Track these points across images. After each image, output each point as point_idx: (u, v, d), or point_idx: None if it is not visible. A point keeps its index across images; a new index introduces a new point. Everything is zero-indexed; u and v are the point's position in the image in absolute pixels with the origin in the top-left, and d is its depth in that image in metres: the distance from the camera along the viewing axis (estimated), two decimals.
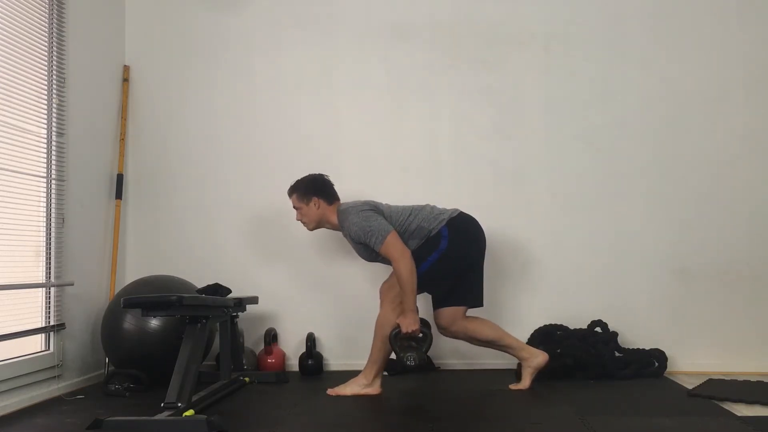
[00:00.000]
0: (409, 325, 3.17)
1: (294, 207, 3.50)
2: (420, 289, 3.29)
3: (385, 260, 3.31)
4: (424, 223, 3.32)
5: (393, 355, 3.67)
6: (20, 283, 3.30)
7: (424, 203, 3.46)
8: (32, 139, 3.39)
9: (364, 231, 3.25)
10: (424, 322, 3.33)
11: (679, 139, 3.99)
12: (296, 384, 3.69)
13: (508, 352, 3.48)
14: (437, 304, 3.40)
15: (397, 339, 3.20)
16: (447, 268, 3.30)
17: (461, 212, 3.41)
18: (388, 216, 3.34)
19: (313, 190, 3.45)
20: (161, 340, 3.43)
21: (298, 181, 3.50)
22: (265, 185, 4.14)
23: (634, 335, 3.88)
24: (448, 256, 3.28)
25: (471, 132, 4.10)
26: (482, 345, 3.49)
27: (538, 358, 3.42)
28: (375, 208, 3.34)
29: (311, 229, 3.53)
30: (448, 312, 3.38)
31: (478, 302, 3.44)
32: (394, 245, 3.21)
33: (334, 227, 3.48)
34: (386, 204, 3.45)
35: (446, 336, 3.49)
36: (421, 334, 3.23)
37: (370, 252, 3.33)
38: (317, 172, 3.53)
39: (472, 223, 3.42)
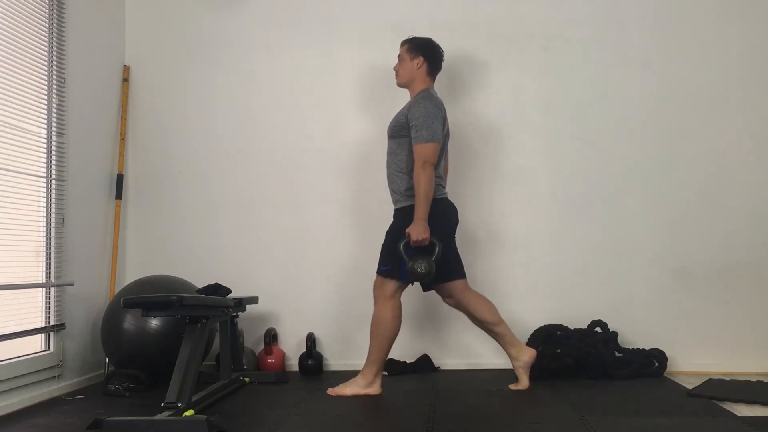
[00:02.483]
0: (419, 234, 3.16)
1: (398, 56, 3.51)
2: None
3: (395, 149, 3.35)
4: None
5: (391, 354, 3.68)
6: (20, 283, 3.30)
7: None
8: (32, 139, 3.39)
9: (423, 120, 3.25)
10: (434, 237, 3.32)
11: (679, 139, 3.99)
12: (296, 384, 3.69)
13: (498, 341, 3.49)
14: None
15: (407, 248, 3.18)
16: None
17: (446, 197, 3.43)
18: (443, 137, 3.36)
19: (426, 52, 3.46)
20: (161, 340, 3.43)
21: (417, 37, 3.51)
22: (265, 185, 4.14)
23: (634, 335, 3.88)
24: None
25: (471, 132, 4.10)
26: (476, 323, 3.50)
27: (526, 354, 3.43)
28: (444, 120, 3.37)
29: (399, 84, 3.53)
30: (448, 286, 3.43)
31: (460, 273, 3.45)
32: (430, 152, 3.22)
33: (411, 94, 3.48)
34: (449, 132, 3.48)
35: (449, 305, 3.52)
36: (429, 243, 3.20)
37: (400, 131, 3.33)
38: (437, 44, 3.51)
39: (451, 208, 3.44)
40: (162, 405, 2.76)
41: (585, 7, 4.09)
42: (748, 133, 3.96)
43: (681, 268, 3.95)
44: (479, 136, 4.09)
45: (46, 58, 3.49)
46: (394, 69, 3.55)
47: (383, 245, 3.39)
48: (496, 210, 4.04)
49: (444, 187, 3.46)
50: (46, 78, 3.48)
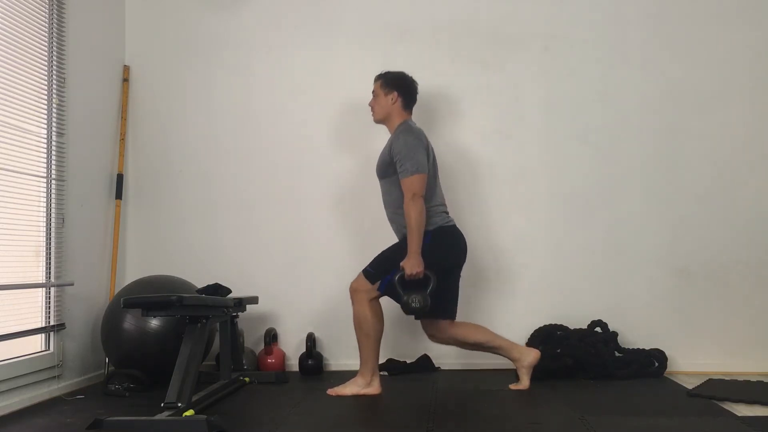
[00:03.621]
0: (413, 267, 3.16)
1: (372, 92, 3.50)
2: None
3: (388, 188, 3.33)
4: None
5: (390, 354, 3.67)
6: (20, 283, 3.30)
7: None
8: (32, 139, 3.39)
9: (406, 153, 3.24)
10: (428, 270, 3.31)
11: (679, 139, 3.99)
12: (296, 384, 3.69)
13: (499, 353, 3.48)
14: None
15: (401, 282, 3.18)
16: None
17: (454, 225, 3.39)
18: (430, 165, 3.34)
19: (399, 86, 3.44)
20: (161, 340, 3.43)
21: (390, 71, 3.49)
22: (265, 184, 4.14)
23: (634, 335, 3.88)
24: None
25: (471, 132, 4.10)
26: (473, 349, 3.50)
27: (530, 356, 3.43)
28: (428, 149, 3.35)
29: (376, 120, 3.52)
30: (434, 323, 3.39)
31: (447, 315, 3.40)
32: (417, 184, 3.20)
33: (389, 128, 3.46)
34: (435, 160, 3.44)
35: (435, 342, 3.50)
36: (423, 277, 3.20)
37: (387, 170, 3.33)
38: (410, 76, 3.50)
39: (458, 238, 3.39)
40: (162, 405, 2.76)
41: (585, 7, 4.09)
42: (748, 133, 3.96)
43: (681, 268, 3.95)
44: (479, 137, 4.09)
45: (46, 58, 3.49)
46: (370, 105, 3.52)
47: (382, 252, 3.38)
48: (497, 210, 4.04)
49: (448, 214, 3.42)
50: (46, 78, 3.48)
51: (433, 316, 3.36)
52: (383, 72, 3.50)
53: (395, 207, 3.33)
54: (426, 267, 3.19)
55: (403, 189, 3.24)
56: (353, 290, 3.34)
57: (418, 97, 4.11)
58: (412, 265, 3.17)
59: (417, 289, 3.18)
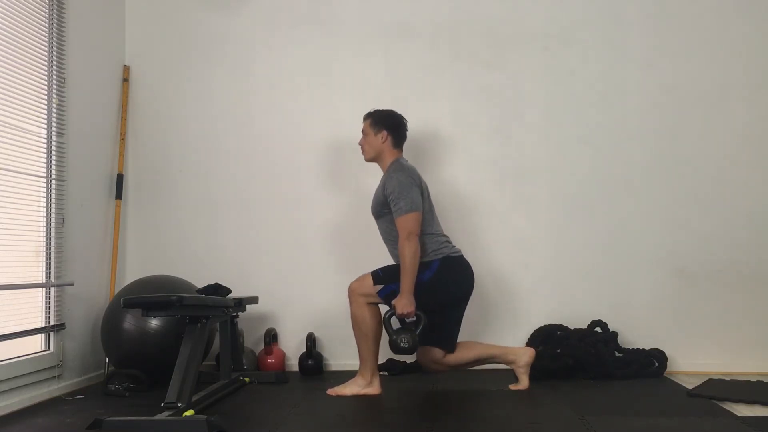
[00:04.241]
0: (404, 307, 3.16)
1: (362, 131, 3.49)
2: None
3: (387, 227, 3.33)
4: (429, 244, 3.30)
5: (390, 354, 3.67)
6: (20, 283, 3.30)
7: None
8: (32, 139, 3.39)
9: (400, 191, 3.23)
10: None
11: (679, 139, 3.99)
12: (296, 384, 3.69)
13: (496, 362, 3.50)
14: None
15: (390, 321, 3.19)
16: (420, 301, 3.22)
17: (461, 255, 3.39)
18: (425, 199, 3.34)
19: (388, 124, 3.43)
20: (161, 340, 3.43)
21: (378, 110, 3.48)
22: (265, 184, 4.14)
23: (634, 335, 3.88)
24: (425, 289, 3.24)
25: (471, 132, 4.10)
26: (472, 366, 3.50)
27: (525, 356, 3.43)
28: (421, 187, 3.34)
29: (366, 159, 3.51)
30: (430, 352, 3.38)
31: (446, 346, 3.39)
32: (411, 223, 3.20)
33: (382, 167, 3.46)
34: (429, 194, 3.43)
35: (431, 371, 3.51)
36: (414, 317, 3.21)
37: (382, 209, 3.33)
38: (400, 114, 3.49)
39: (465, 269, 3.39)
40: (162, 405, 2.76)
41: (585, 7, 4.09)
42: (748, 133, 3.96)
43: (681, 268, 3.95)
44: (479, 137, 4.09)
45: (46, 58, 3.49)
46: (360, 144, 3.51)
47: (396, 264, 3.36)
48: (497, 210, 4.04)
49: (452, 245, 3.41)
50: (46, 78, 3.48)
51: (430, 343, 3.35)
52: (372, 111, 3.49)
53: (395, 244, 3.31)
54: (419, 307, 3.19)
55: (398, 228, 3.23)
56: (352, 291, 3.34)
57: (418, 97, 4.13)
58: (404, 305, 3.17)
59: (407, 328, 3.19)
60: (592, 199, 4.02)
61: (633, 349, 3.79)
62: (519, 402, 3.22)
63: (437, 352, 3.39)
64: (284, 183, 4.16)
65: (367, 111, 3.50)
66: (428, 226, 3.33)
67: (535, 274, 4.02)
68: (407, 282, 3.18)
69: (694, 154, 3.97)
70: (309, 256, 4.12)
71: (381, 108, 3.50)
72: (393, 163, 3.40)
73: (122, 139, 4.12)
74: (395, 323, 3.25)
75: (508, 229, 4.03)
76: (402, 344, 3.15)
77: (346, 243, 4.10)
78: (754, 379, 3.56)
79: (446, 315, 3.35)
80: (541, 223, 4.04)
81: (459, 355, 3.42)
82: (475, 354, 3.44)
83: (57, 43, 3.55)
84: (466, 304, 3.44)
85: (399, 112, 3.50)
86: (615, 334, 3.81)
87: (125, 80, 4.20)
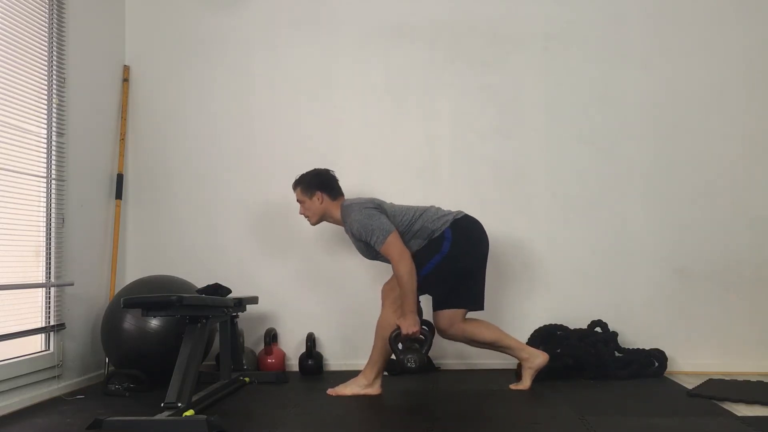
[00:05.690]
0: (409, 327, 3.16)
1: (297, 200, 3.49)
2: (421, 290, 3.28)
3: (386, 259, 3.31)
4: (428, 224, 3.31)
5: (393, 356, 3.67)
6: (20, 283, 3.30)
7: (424, 203, 3.45)
8: (32, 139, 3.39)
9: (366, 229, 3.24)
10: (425, 323, 3.33)
11: (679, 139, 3.99)
12: (296, 384, 3.69)
13: (508, 353, 3.47)
14: (437, 306, 3.37)
15: (397, 340, 3.19)
16: (448, 271, 3.28)
17: (466, 215, 3.40)
18: (391, 215, 3.33)
19: (317, 184, 3.44)
20: (161, 340, 3.43)
21: (302, 175, 3.49)
22: (265, 185, 4.14)
23: (634, 335, 3.88)
24: (449, 259, 3.27)
25: (471, 132, 4.10)
26: (482, 347, 3.48)
27: (539, 358, 3.42)
28: (379, 207, 3.33)
29: (313, 224, 3.52)
30: (447, 314, 3.34)
31: (478, 305, 3.39)
32: (394, 246, 3.21)
33: (336, 222, 3.47)
34: (390, 203, 3.44)
35: (445, 338, 3.47)
36: (421, 336, 3.22)
37: (370, 250, 3.33)
38: (322, 168, 3.51)
39: (476, 226, 3.40)
40: (162, 405, 2.76)
41: (585, 6, 4.09)
42: (748, 133, 3.96)
43: (681, 268, 3.95)
44: (478, 137, 4.09)
45: (46, 58, 3.49)
46: (301, 213, 3.50)
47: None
48: (496, 210, 4.03)
49: (447, 210, 3.40)
50: (46, 78, 3.48)
51: (461, 306, 3.34)
52: (297, 179, 3.48)
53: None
54: (452, 278, 3.21)
55: (387, 256, 3.24)
56: (386, 294, 3.35)
57: (418, 97, 4.13)
58: (409, 325, 3.16)
59: (413, 348, 3.17)
60: (592, 199, 4.02)
61: (633, 349, 3.79)
62: (519, 402, 3.21)
63: (456, 314, 3.33)
64: (284, 183, 4.14)
65: (293, 180, 3.48)
66: (412, 224, 3.31)
67: (536, 274, 4.02)
68: (409, 303, 3.18)
69: (693, 154, 3.97)
70: (309, 256, 4.12)
71: (303, 172, 3.48)
72: (342, 212, 3.39)
73: (122, 139, 4.12)
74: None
75: (508, 229, 4.03)
76: (409, 365, 3.13)
77: (346, 243, 4.10)
78: (754, 379, 3.56)
79: (475, 275, 3.34)
80: (541, 223, 4.04)
81: (477, 330, 3.38)
82: (494, 337, 3.41)
83: (57, 43, 3.55)
84: (486, 263, 3.42)
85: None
86: (615, 334, 3.81)
87: (125, 80, 4.20)
